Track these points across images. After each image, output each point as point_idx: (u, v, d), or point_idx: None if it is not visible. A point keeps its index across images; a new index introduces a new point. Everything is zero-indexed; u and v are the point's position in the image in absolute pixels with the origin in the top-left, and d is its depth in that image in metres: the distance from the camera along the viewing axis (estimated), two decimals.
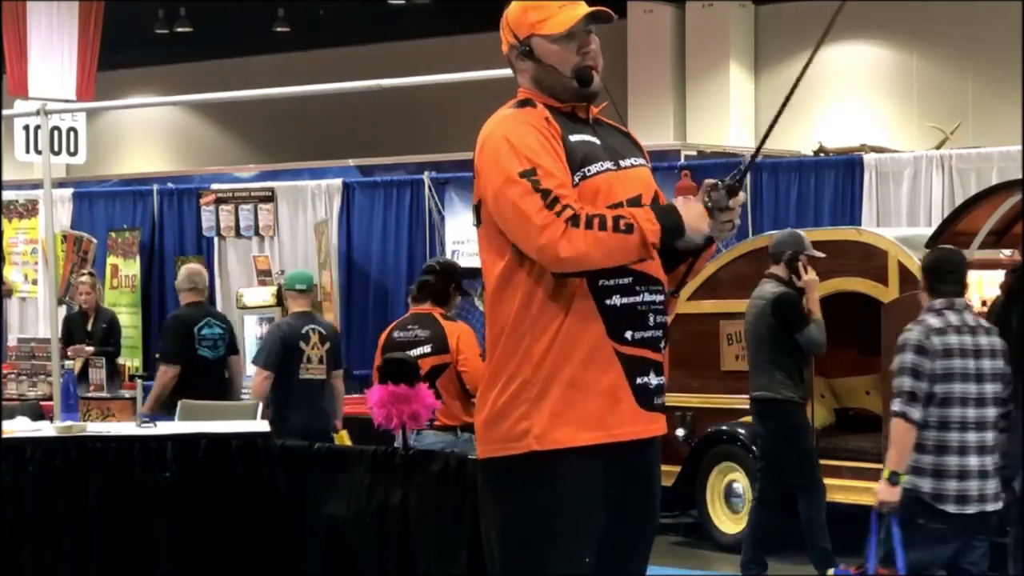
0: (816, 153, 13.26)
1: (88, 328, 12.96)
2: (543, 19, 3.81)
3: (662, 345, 3.81)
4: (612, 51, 20.78)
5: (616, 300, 3.72)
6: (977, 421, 6.33)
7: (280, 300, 14.49)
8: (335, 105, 21.10)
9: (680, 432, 10.52)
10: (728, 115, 19.66)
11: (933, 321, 6.36)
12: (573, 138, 3.77)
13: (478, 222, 3.83)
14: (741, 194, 3.82)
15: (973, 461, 6.30)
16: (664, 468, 11.62)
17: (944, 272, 6.49)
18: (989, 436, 6.36)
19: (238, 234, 15.21)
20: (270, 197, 15.09)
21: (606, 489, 3.74)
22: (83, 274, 13.77)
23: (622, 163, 3.84)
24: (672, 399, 10.66)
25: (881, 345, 9.45)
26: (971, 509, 6.33)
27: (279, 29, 22.05)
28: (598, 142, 3.83)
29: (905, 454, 6.34)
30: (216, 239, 15.27)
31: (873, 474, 9.57)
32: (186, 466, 7.51)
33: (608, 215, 3.63)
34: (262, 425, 8.38)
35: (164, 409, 9.89)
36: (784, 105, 3.89)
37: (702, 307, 10.57)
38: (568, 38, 3.80)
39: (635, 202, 3.79)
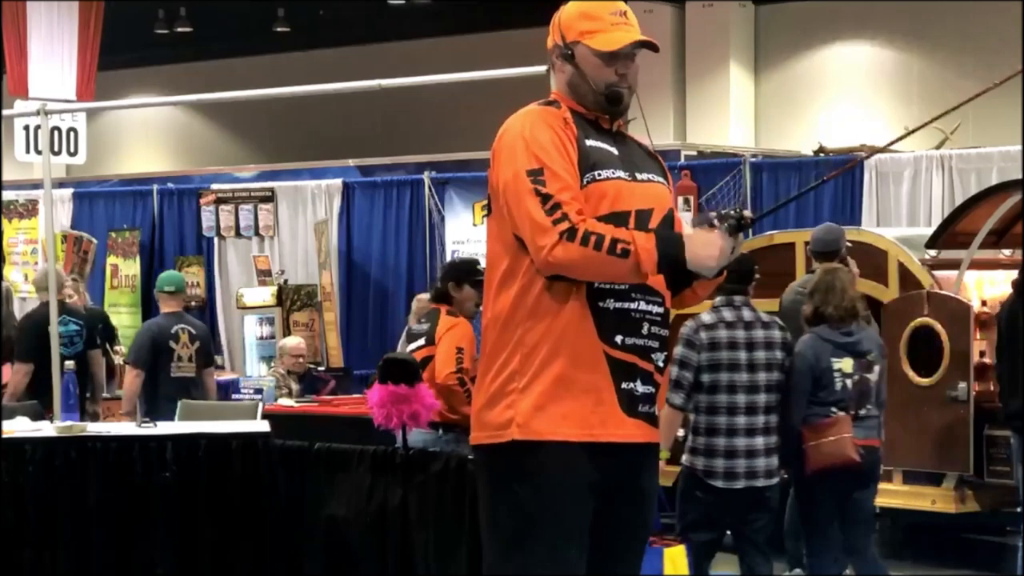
0: (816, 153, 13.27)
1: None
2: (593, 31, 3.87)
3: (658, 358, 3.82)
4: None
5: (610, 304, 3.75)
6: (748, 406, 7.08)
7: (280, 299, 14.51)
8: (335, 105, 21.11)
9: (680, 432, 10.50)
10: (728, 115, 19.65)
11: (706, 317, 7.21)
12: (589, 142, 3.81)
13: (489, 211, 3.89)
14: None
15: (741, 442, 7.06)
16: (664, 468, 11.59)
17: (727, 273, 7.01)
18: (760, 420, 7.09)
19: (238, 234, 15.22)
20: (270, 197, 15.10)
21: (593, 487, 3.76)
22: (69, 278, 13.78)
23: (638, 175, 3.86)
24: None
25: None
26: (739, 484, 7.05)
27: (279, 29, 22.05)
28: (616, 152, 3.86)
29: (668, 436, 7.22)
30: (216, 239, 15.28)
31: None
32: (186, 466, 7.51)
33: (608, 235, 3.66)
34: (262, 425, 8.39)
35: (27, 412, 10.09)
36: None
37: (702, 307, 10.55)
38: (611, 57, 3.87)
39: (646, 215, 3.81)
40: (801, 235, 10.14)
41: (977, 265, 9.58)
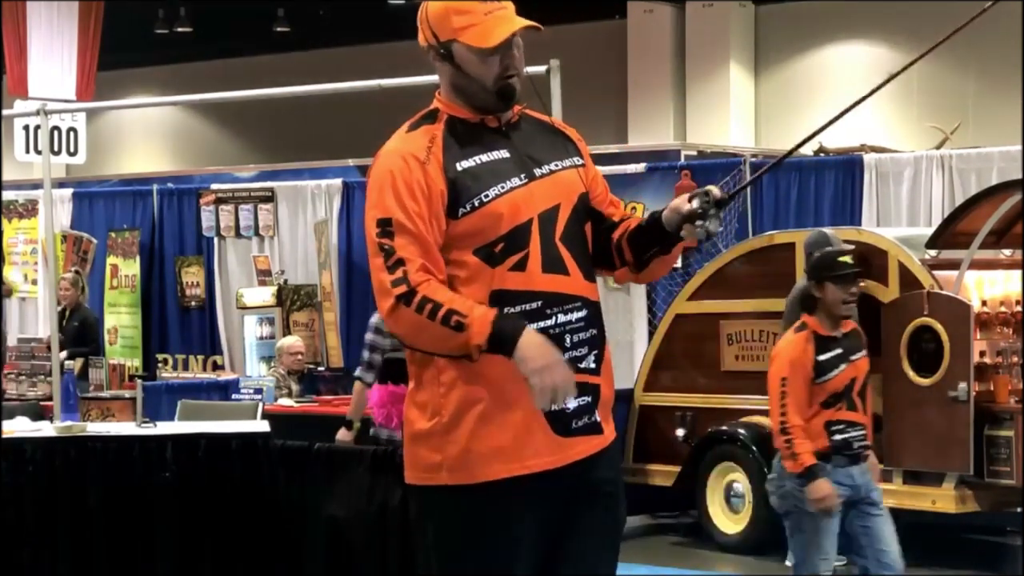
0: (816, 153, 13.27)
1: (62, 325, 13.03)
2: (467, 26, 3.54)
3: (588, 363, 3.60)
4: (612, 51, 20.81)
5: None
6: None
7: (280, 299, 14.50)
8: (335, 105, 21.09)
9: (680, 432, 10.53)
10: (728, 115, 19.66)
11: None
12: (465, 165, 3.54)
13: None
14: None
15: None
16: (664, 468, 11.54)
17: None
18: None
19: (238, 234, 15.20)
20: (270, 197, 15.09)
21: (538, 515, 3.58)
22: (69, 271, 13.80)
23: (538, 171, 3.59)
24: (672, 399, 10.76)
25: (881, 345, 9.45)
26: None
27: (279, 29, 22.06)
28: (507, 155, 3.58)
29: (358, 407, 8.45)
30: (216, 239, 15.27)
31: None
32: (186, 466, 7.52)
33: (445, 305, 3.42)
34: (262, 425, 8.39)
35: None
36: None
37: (702, 307, 10.56)
38: (493, 51, 3.54)
39: (551, 214, 3.57)
40: (801, 235, 10.15)
41: (977, 265, 9.58)
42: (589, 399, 3.62)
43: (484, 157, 3.58)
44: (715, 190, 3.53)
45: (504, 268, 3.54)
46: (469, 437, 3.53)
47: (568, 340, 3.57)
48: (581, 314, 3.60)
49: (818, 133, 3.76)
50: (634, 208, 12.63)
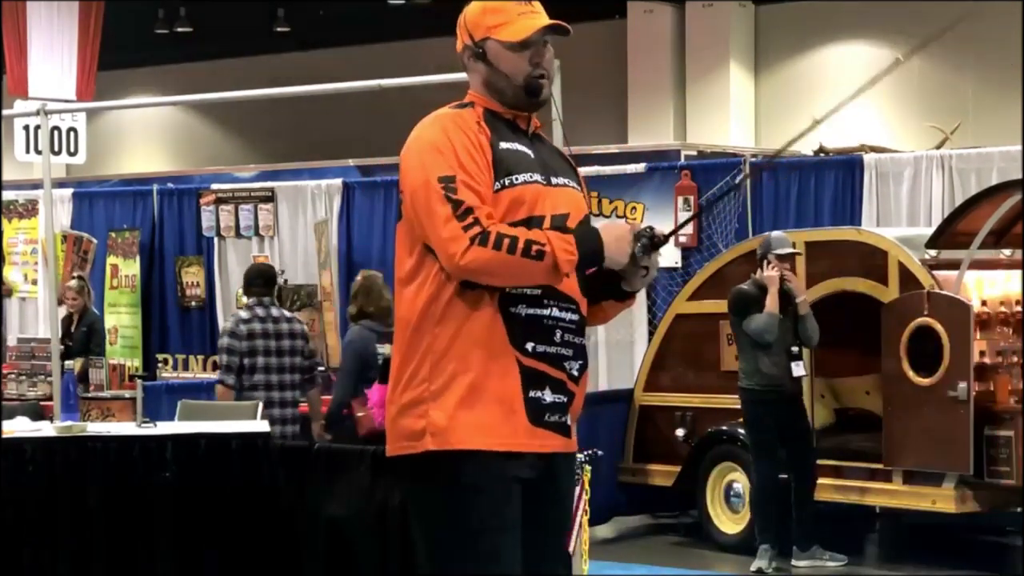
0: (816, 153, 13.26)
1: (71, 331, 13.03)
2: (501, 24, 3.80)
3: (572, 366, 3.77)
4: (612, 51, 20.81)
5: (521, 309, 3.71)
6: (279, 383, 9.19)
7: (280, 299, 14.50)
8: (335, 105, 21.09)
9: (680, 432, 10.53)
10: (728, 115, 19.65)
11: (243, 314, 9.35)
12: (504, 145, 3.77)
13: (399, 216, 3.83)
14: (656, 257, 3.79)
15: (276, 412, 9.06)
16: (664, 468, 11.58)
17: (251, 280, 9.49)
18: (288, 394, 9.24)
19: (238, 234, 15.20)
20: (270, 197, 15.09)
21: (516, 487, 3.70)
22: (72, 278, 13.79)
23: (554, 180, 3.82)
24: (672, 399, 10.76)
25: (881, 345, 9.45)
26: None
27: (279, 29, 22.06)
28: (532, 155, 3.82)
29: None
30: (216, 239, 15.27)
31: (874, 474, 9.60)
32: (186, 466, 7.51)
33: (521, 237, 3.62)
34: (262, 425, 8.39)
35: None
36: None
37: (702, 307, 10.56)
38: (523, 46, 3.79)
39: (562, 219, 3.77)
40: (801, 235, 10.17)
41: (977, 265, 9.58)
42: (565, 399, 3.77)
43: (517, 146, 3.79)
44: (657, 229, 3.78)
45: None
46: (455, 407, 3.68)
47: (558, 335, 3.75)
48: (575, 317, 3.78)
49: (810, 130, 3.87)
50: (634, 208, 12.64)
